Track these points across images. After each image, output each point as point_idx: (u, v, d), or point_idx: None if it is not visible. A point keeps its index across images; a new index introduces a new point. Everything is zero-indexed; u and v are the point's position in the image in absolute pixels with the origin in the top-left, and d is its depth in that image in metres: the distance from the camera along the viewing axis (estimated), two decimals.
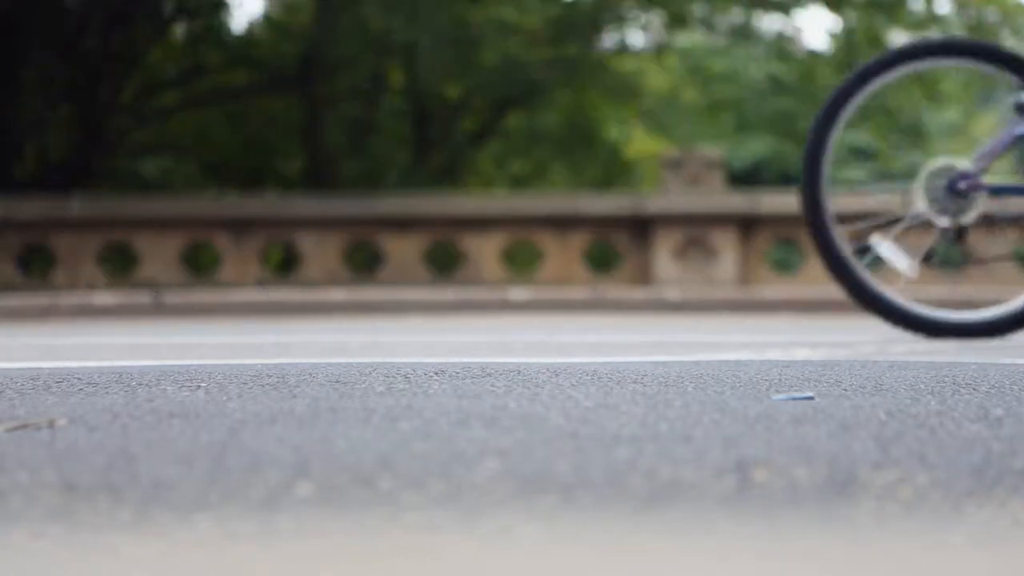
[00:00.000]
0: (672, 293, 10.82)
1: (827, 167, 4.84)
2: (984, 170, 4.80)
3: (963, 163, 4.80)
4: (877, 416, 1.93)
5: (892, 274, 4.95)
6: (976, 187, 4.74)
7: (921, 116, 21.13)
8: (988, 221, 5.25)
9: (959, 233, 4.80)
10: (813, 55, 19.46)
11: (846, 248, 4.79)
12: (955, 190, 4.75)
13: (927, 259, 4.96)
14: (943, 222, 4.78)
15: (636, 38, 19.80)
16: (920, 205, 4.76)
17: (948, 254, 4.88)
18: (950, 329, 4.79)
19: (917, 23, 17.59)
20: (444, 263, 12.18)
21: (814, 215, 4.80)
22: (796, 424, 1.83)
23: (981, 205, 4.80)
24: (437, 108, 19.01)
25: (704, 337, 5.46)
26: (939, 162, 4.82)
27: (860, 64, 5.02)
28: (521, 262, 12.67)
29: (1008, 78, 4.81)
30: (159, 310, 10.16)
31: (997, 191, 4.83)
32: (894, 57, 4.92)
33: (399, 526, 1.38)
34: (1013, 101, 4.83)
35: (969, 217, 4.80)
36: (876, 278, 4.89)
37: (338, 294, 10.74)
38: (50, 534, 1.37)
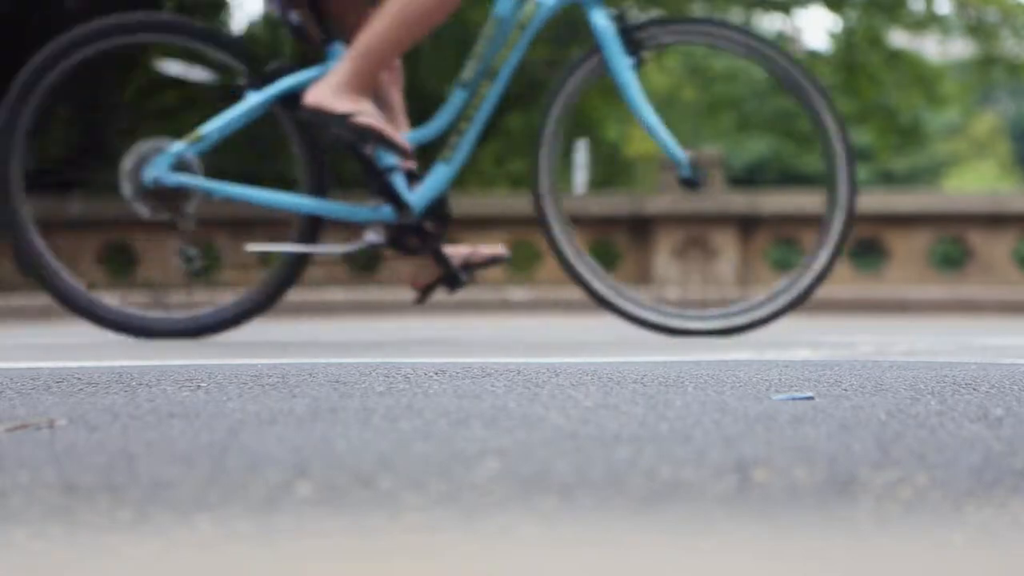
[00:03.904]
0: (672, 293, 10.83)
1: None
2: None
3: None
4: (877, 416, 1.93)
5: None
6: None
7: (920, 116, 21.13)
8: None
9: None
10: (813, 55, 19.46)
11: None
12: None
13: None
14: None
15: None
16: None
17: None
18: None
19: (917, 23, 17.60)
20: None
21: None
22: (796, 424, 1.83)
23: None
24: (437, 108, 19.00)
25: (704, 337, 5.45)
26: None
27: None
28: (521, 262, 12.68)
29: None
30: (159, 310, 10.15)
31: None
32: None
33: (399, 526, 1.38)
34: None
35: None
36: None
37: (338, 294, 10.74)
38: (50, 534, 1.37)
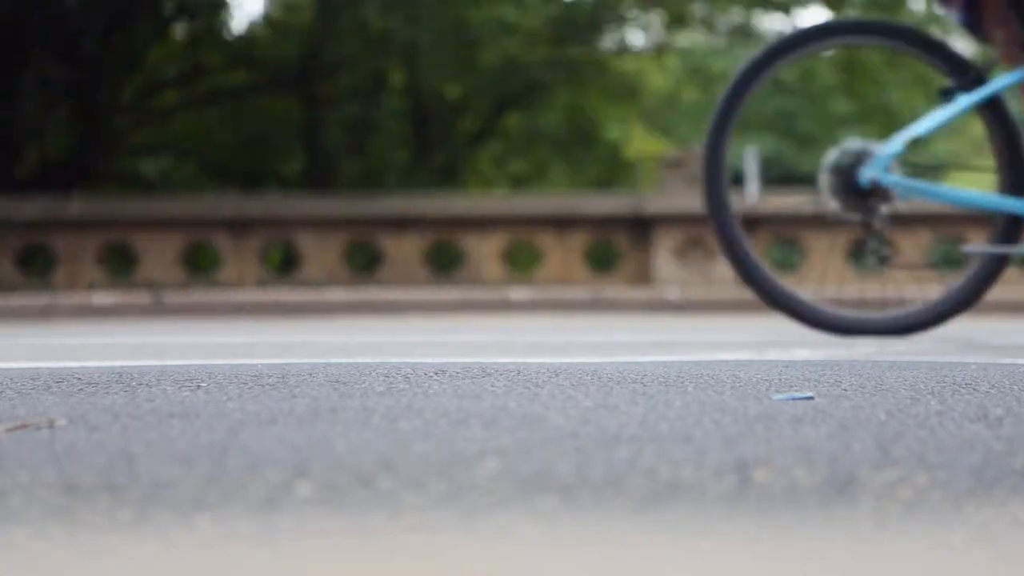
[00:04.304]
0: (672, 293, 10.82)
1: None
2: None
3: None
4: (877, 416, 1.93)
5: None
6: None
7: (920, 116, 21.14)
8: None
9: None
10: (813, 55, 19.45)
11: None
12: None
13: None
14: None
15: (636, 38, 19.81)
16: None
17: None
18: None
19: (917, 23, 17.59)
20: (444, 263, 12.18)
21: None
22: (796, 424, 1.83)
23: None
24: (437, 108, 19.00)
25: (704, 337, 5.46)
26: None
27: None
28: (521, 262, 12.67)
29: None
30: (159, 310, 10.16)
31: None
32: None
33: (399, 526, 1.38)
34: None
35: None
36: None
37: (338, 294, 10.74)
38: (50, 534, 1.37)
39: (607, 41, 18.51)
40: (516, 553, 1.29)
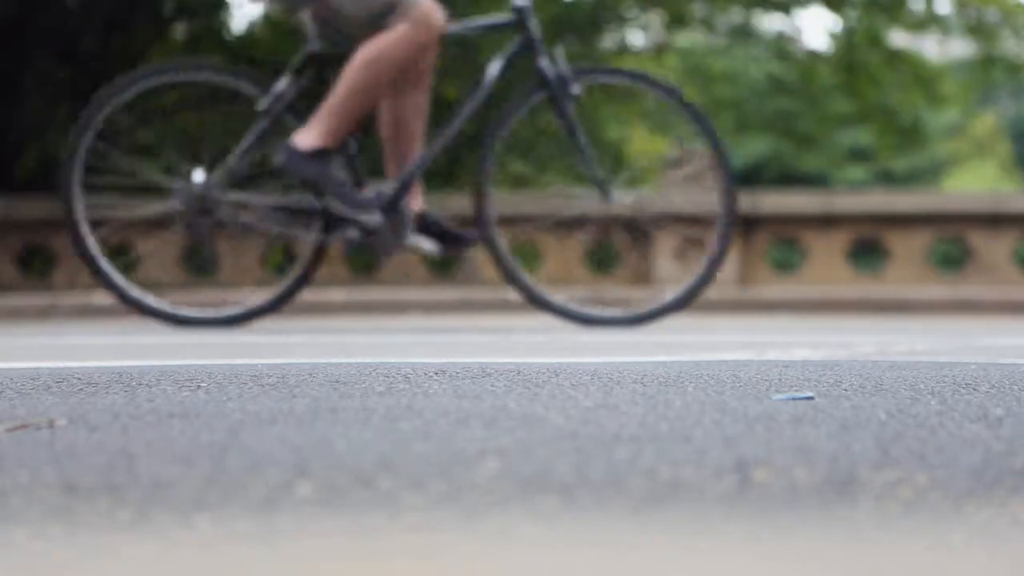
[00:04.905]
0: (672, 293, 10.82)
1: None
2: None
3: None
4: (877, 416, 1.93)
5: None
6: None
7: (920, 116, 21.13)
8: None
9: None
10: (813, 55, 19.45)
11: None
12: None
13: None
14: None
15: (636, 38, 19.80)
16: None
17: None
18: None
19: (917, 23, 17.58)
20: (444, 263, 12.18)
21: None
22: (796, 424, 1.83)
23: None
24: (437, 108, 18.98)
25: (704, 337, 5.46)
26: None
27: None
28: (521, 262, 12.65)
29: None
30: None
31: None
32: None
33: (399, 526, 1.38)
34: None
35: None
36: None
37: (338, 294, 10.73)
38: (50, 534, 1.37)
39: (607, 41, 18.49)
40: (516, 553, 1.30)
